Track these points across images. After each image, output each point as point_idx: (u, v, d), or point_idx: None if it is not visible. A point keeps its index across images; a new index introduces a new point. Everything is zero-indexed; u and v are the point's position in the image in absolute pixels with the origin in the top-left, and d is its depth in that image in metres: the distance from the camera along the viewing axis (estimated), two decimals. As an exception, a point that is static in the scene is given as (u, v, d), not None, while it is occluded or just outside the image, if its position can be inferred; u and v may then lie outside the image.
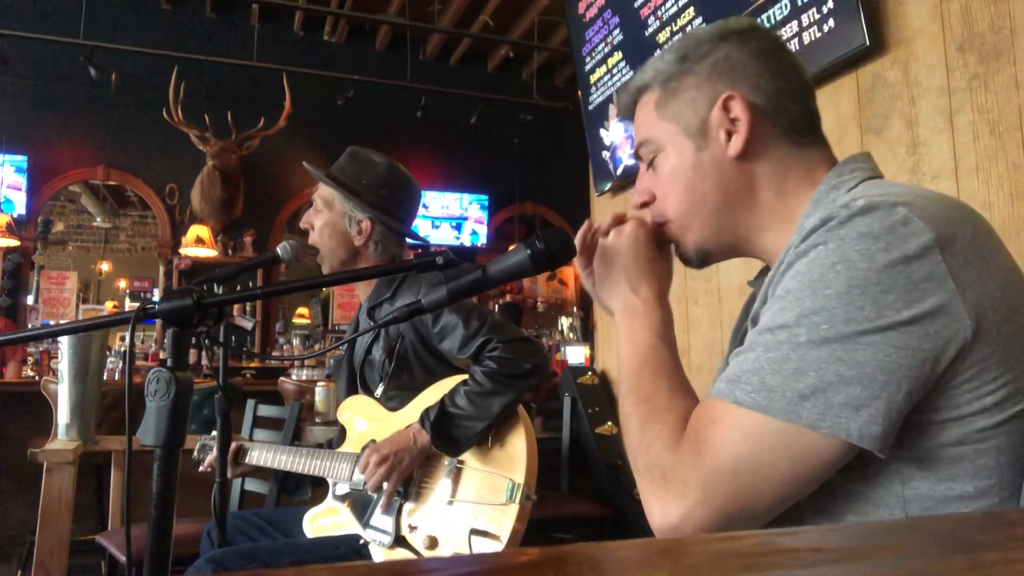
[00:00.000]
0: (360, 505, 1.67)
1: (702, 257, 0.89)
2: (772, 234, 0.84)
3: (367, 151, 1.83)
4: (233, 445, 1.82)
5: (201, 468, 1.86)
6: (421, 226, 6.76)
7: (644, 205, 0.91)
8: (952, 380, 0.64)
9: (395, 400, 1.71)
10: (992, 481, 0.66)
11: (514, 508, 1.48)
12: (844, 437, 0.62)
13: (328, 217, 1.77)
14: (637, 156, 0.92)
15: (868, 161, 0.82)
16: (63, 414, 2.34)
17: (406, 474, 1.59)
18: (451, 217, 7.18)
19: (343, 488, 1.72)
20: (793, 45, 2.05)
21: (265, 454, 1.80)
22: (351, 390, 1.84)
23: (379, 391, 1.76)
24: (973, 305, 0.63)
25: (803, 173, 0.82)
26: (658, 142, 0.87)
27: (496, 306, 7.16)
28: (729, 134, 0.82)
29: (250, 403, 2.60)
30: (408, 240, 1.87)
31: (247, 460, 1.82)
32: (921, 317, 0.62)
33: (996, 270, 0.66)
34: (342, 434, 1.80)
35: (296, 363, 4.87)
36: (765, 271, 0.92)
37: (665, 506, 0.67)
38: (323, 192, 1.79)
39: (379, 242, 1.77)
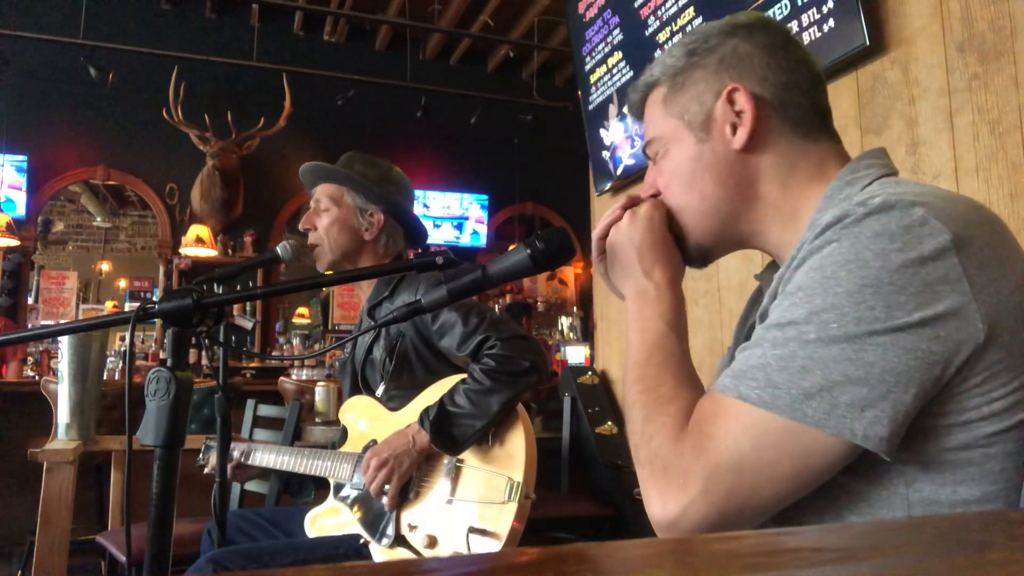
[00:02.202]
0: (361, 505, 1.67)
1: (702, 255, 0.88)
2: (777, 229, 0.82)
3: (367, 155, 1.88)
4: (239, 450, 1.82)
5: (207, 470, 1.86)
6: (421, 226, 6.76)
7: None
8: (961, 384, 0.63)
9: (396, 399, 1.71)
10: (999, 486, 0.65)
11: (512, 507, 1.48)
12: (848, 437, 0.62)
13: (337, 213, 1.78)
14: (645, 154, 0.90)
15: (883, 157, 0.80)
16: (63, 414, 2.34)
17: (407, 476, 1.58)
18: (452, 217, 7.18)
19: (344, 488, 1.72)
20: (793, 45, 2.05)
21: (267, 455, 1.80)
22: (354, 390, 1.85)
23: (380, 390, 1.76)
24: (987, 310, 0.62)
25: (812, 169, 0.81)
26: (663, 138, 0.86)
27: (497, 305, 7.16)
28: (734, 127, 0.81)
29: (250, 403, 2.61)
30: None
31: (251, 462, 1.82)
32: (932, 319, 0.61)
33: (1013, 274, 0.65)
34: (344, 434, 1.80)
35: (296, 363, 4.86)
36: (772, 265, 0.91)
37: (665, 499, 0.66)
38: (328, 190, 1.81)
39: (389, 235, 1.80)
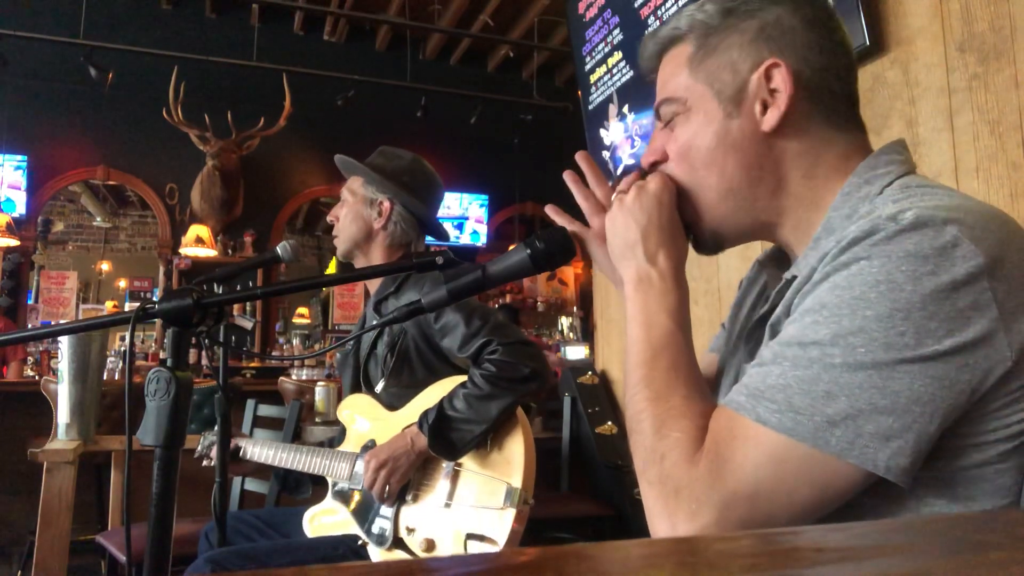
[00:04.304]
0: (359, 505, 1.67)
1: (716, 241, 0.82)
2: (794, 218, 0.77)
3: (396, 149, 1.92)
4: (239, 442, 1.82)
5: (206, 462, 1.86)
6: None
7: (654, 165, 0.83)
8: (982, 409, 0.61)
9: (395, 398, 1.72)
10: (1009, 500, 0.63)
11: (511, 512, 1.48)
12: (871, 468, 0.60)
13: (351, 204, 1.83)
14: (656, 113, 0.83)
15: (903, 153, 0.76)
16: (63, 414, 2.34)
17: (405, 478, 1.59)
18: (452, 217, 7.18)
19: (342, 487, 1.72)
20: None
21: (265, 451, 1.80)
22: (355, 385, 1.85)
23: (379, 386, 1.76)
24: (1015, 336, 0.60)
25: (837, 161, 0.76)
26: (684, 102, 0.78)
27: (496, 306, 7.16)
28: (765, 106, 0.75)
29: (250, 403, 2.61)
30: (428, 236, 1.92)
31: (242, 456, 1.82)
32: (962, 347, 0.59)
33: None
34: (343, 433, 1.80)
35: (296, 363, 4.86)
36: (779, 254, 0.87)
37: (674, 523, 0.64)
38: (350, 184, 1.87)
39: (397, 223, 1.82)
